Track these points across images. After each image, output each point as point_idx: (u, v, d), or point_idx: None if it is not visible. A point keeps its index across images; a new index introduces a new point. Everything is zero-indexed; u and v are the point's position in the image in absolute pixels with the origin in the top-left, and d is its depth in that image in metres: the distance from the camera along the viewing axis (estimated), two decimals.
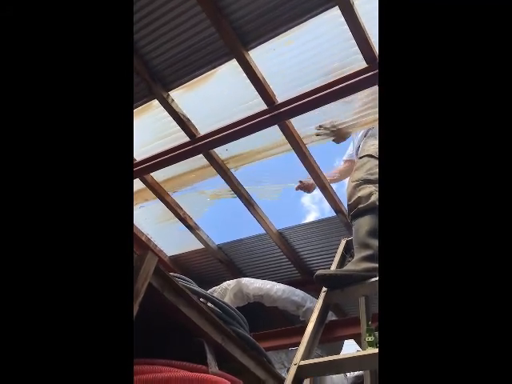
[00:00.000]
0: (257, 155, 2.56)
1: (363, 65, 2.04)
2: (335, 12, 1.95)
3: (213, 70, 2.30)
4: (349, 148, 2.53)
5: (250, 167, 2.64)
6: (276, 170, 2.69)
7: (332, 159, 2.77)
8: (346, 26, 1.95)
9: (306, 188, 2.60)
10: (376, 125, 2.21)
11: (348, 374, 2.64)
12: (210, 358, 1.31)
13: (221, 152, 2.59)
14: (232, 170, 2.66)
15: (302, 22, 2.02)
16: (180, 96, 2.45)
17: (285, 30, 2.07)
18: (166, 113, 2.48)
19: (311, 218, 2.95)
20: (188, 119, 2.49)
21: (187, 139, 2.54)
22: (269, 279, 2.89)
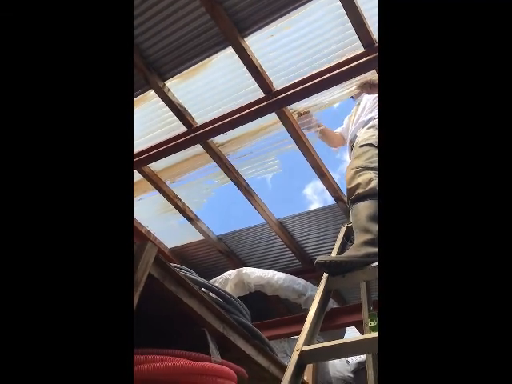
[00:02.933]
0: (253, 135, 2.54)
1: (361, 49, 2.01)
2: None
3: (209, 59, 2.27)
4: (344, 122, 2.54)
5: (247, 150, 2.63)
6: (270, 143, 2.64)
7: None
8: (343, 10, 1.92)
9: (303, 114, 2.41)
10: None
11: (350, 361, 2.65)
12: (212, 347, 1.31)
13: (219, 137, 2.57)
14: (230, 154, 2.64)
15: (297, 7, 2.00)
16: (176, 85, 2.42)
17: (281, 16, 2.04)
18: (162, 103, 2.46)
19: (314, 208, 2.93)
20: (185, 109, 2.47)
21: (184, 129, 2.52)
22: (269, 269, 2.89)
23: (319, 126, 2.48)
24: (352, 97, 2.44)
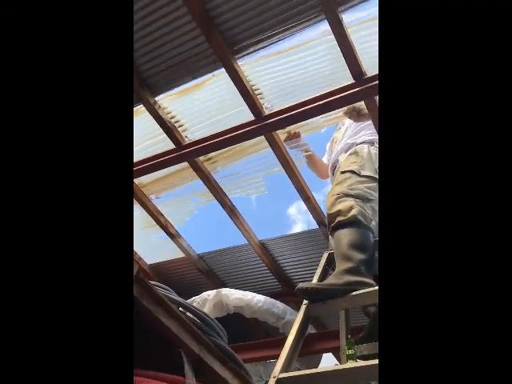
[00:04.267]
0: (242, 153, 2.56)
1: (350, 80, 2.07)
2: (325, 27, 1.98)
3: (203, 78, 2.30)
4: (327, 148, 2.57)
5: (234, 170, 2.65)
6: (257, 165, 2.66)
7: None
8: (335, 42, 1.98)
9: (293, 136, 2.42)
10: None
11: None
12: (187, 368, 1.28)
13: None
14: (218, 170, 2.64)
15: (291, 35, 2.05)
16: (167, 103, 2.44)
17: (274, 42, 2.09)
18: (151, 119, 2.47)
19: (298, 228, 2.95)
20: (174, 126, 2.48)
21: (173, 146, 2.53)
22: (249, 290, 2.87)
23: (307, 151, 2.50)
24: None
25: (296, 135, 2.40)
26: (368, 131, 2.16)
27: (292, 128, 2.40)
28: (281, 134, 2.41)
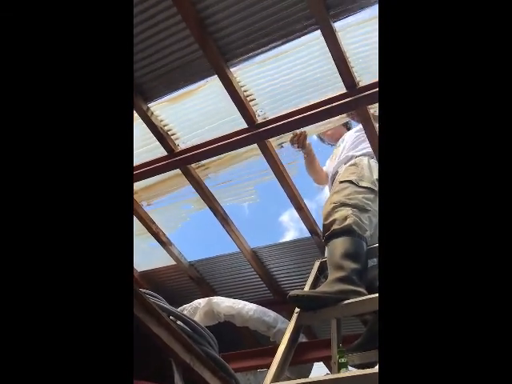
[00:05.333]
0: (233, 159, 2.55)
1: (343, 90, 2.09)
2: (318, 37, 2.00)
3: (196, 85, 2.31)
4: (326, 164, 2.55)
5: (226, 178, 2.64)
6: (249, 173, 2.65)
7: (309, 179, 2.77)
8: (328, 52, 2.00)
9: (299, 137, 2.34)
10: None
11: None
12: (177, 378, 1.27)
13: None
14: (210, 176, 2.64)
15: (285, 43, 2.07)
16: (160, 110, 2.43)
17: (268, 51, 2.11)
18: (144, 126, 2.46)
19: (290, 235, 2.94)
20: (167, 133, 2.47)
21: (165, 153, 2.52)
22: (240, 298, 2.85)
23: (308, 153, 2.44)
24: (328, 142, 2.52)
25: (303, 136, 2.35)
26: (368, 144, 2.18)
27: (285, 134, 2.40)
28: (273, 142, 2.41)
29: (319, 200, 2.62)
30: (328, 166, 2.50)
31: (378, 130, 2.10)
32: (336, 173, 2.20)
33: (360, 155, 2.16)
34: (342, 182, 1.99)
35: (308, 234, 2.73)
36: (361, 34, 2.00)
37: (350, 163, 2.14)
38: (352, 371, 1.31)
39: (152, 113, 2.42)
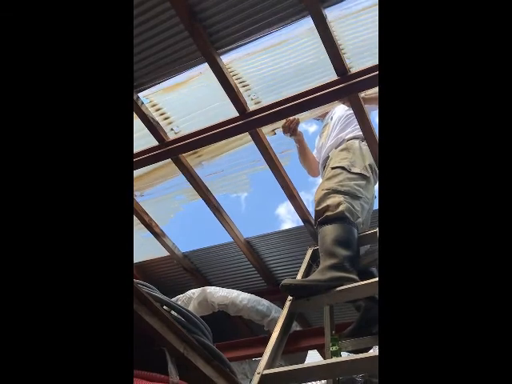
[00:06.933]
0: (226, 146, 2.54)
1: (334, 77, 2.07)
2: (309, 23, 1.98)
3: (185, 74, 2.28)
4: (315, 145, 2.52)
5: (218, 168, 2.62)
6: (242, 162, 2.64)
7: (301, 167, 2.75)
8: (319, 39, 1.98)
9: (291, 123, 2.30)
10: None
11: None
12: (170, 367, 1.27)
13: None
14: (203, 164, 2.62)
15: (275, 30, 2.04)
16: (150, 99, 2.41)
17: (258, 38, 2.08)
18: (135, 116, 2.43)
19: (286, 227, 2.93)
20: (157, 123, 2.45)
21: (156, 143, 2.50)
22: (234, 288, 2.86)
23: (300, 141, 2.42)
24: (317, 119, 2.49)
25: (295, 122, 2.32)
26: (357, 125, 2.16)
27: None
28: (265, 130, 2.40)
29: (313, 192, 2.61)
30: (317, 145, 2.48)
31: (367, 112, 2.10)
32: (327, 157, 2.19)
33: (351, 138, 2.15)
34: (333, 168, 1.99)
35: (301, 223, 2.73)
36: (352, 22, 1.99)
37: (341, 147, 2.13)
38: (343, 356, 1.32)
39: (142, 103, 2.39)
